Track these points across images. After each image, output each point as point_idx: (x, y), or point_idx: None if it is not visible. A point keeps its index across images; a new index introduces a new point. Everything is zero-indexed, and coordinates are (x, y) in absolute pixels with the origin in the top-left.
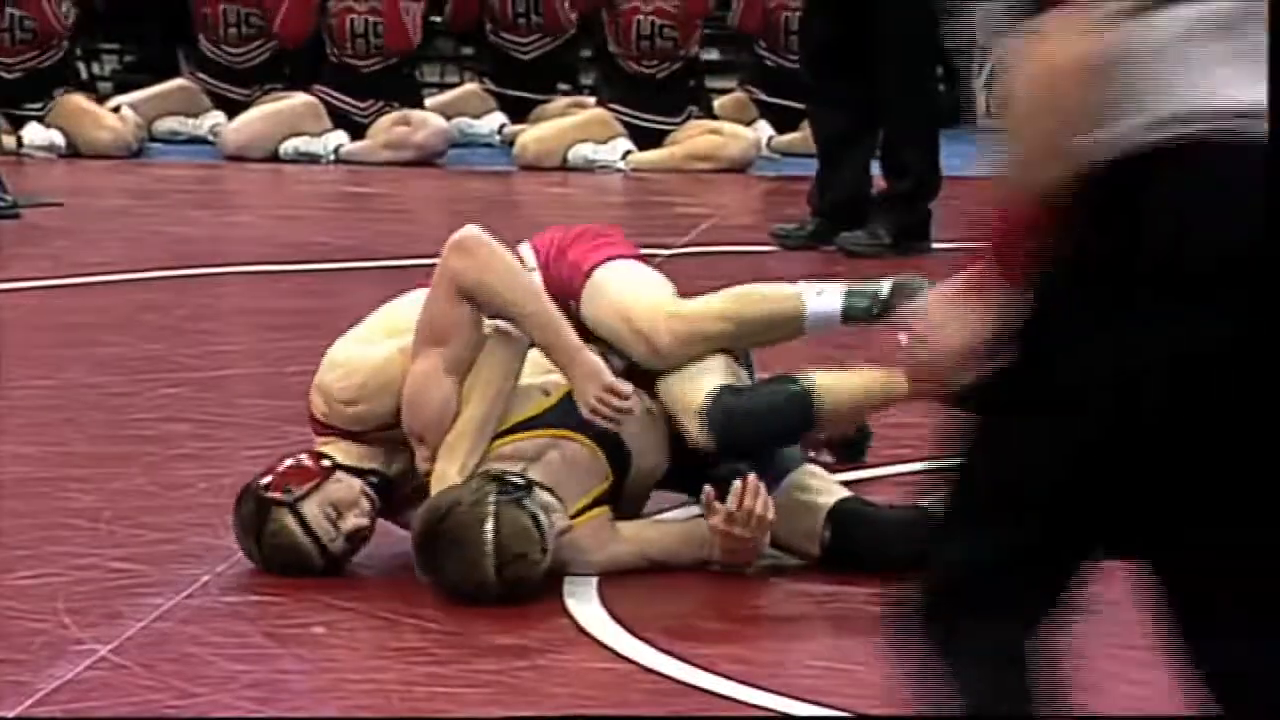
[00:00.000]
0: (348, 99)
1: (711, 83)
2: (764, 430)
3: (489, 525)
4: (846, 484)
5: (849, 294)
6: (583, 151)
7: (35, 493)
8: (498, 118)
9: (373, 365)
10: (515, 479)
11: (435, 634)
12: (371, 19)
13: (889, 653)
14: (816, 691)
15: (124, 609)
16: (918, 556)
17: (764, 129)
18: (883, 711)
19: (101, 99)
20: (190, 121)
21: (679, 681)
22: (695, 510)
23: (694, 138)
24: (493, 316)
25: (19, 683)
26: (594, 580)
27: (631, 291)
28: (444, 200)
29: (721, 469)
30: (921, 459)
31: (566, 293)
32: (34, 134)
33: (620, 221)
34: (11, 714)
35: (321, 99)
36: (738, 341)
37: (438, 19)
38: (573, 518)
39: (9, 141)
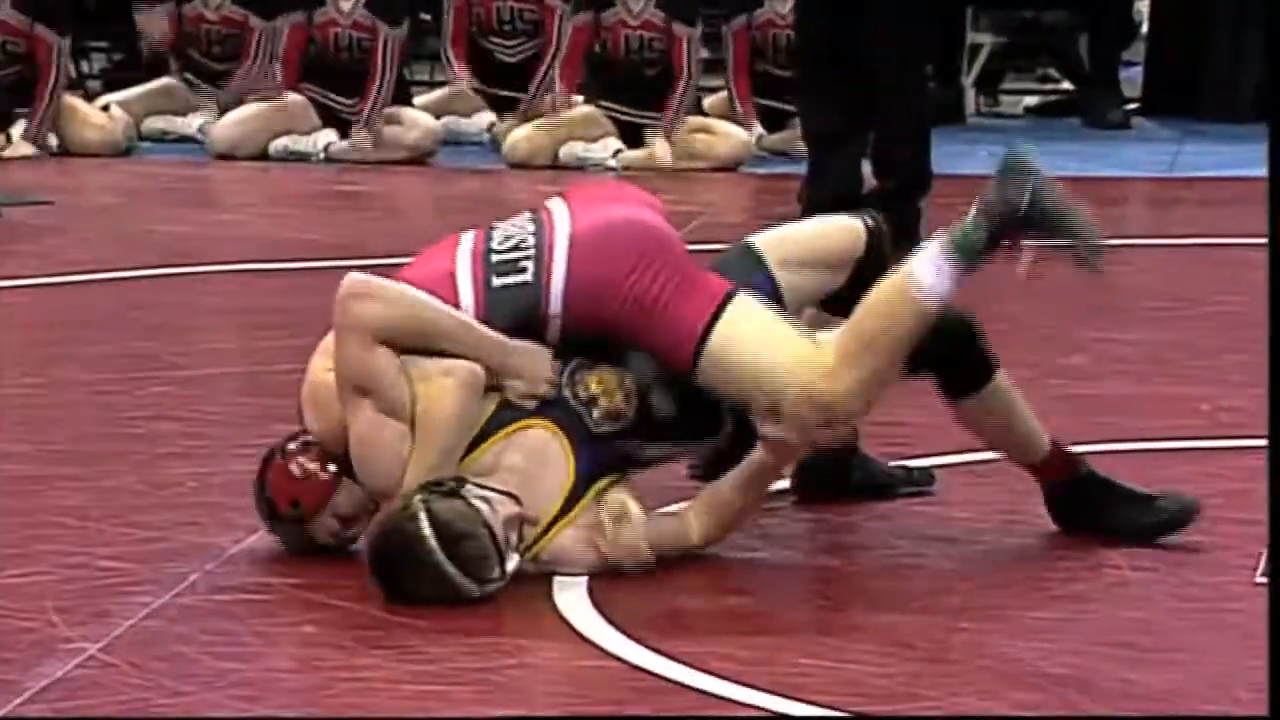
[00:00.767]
0: (337, 97)
1: (701, 81)
2: None
3: (423, 521)
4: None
5: (954, 241)
6: (573, 150)
7: (24, 491)
8: (487, 116)
9: (308, 387)
10: (441, 483)
11: (424, 632)
12: (355, 34)
13: None
14: (807, 689)
15: (113, 607)
16: None
17: (754, 127)
18: (873, 710)
19: (90, 97)
20: (179, 120)
21: (668, 679)
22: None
23: (685, 136)
24: (408, 351)
25: (7, 681)
26: (583, 579)
27: (768, 362)
28: (433, 199)
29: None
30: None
31: (664, 339)
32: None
33: None
34: (0, 712)
35: (310, 98)
36: (893, 366)
37: (427, 17)
38: (560, 515)
39: None
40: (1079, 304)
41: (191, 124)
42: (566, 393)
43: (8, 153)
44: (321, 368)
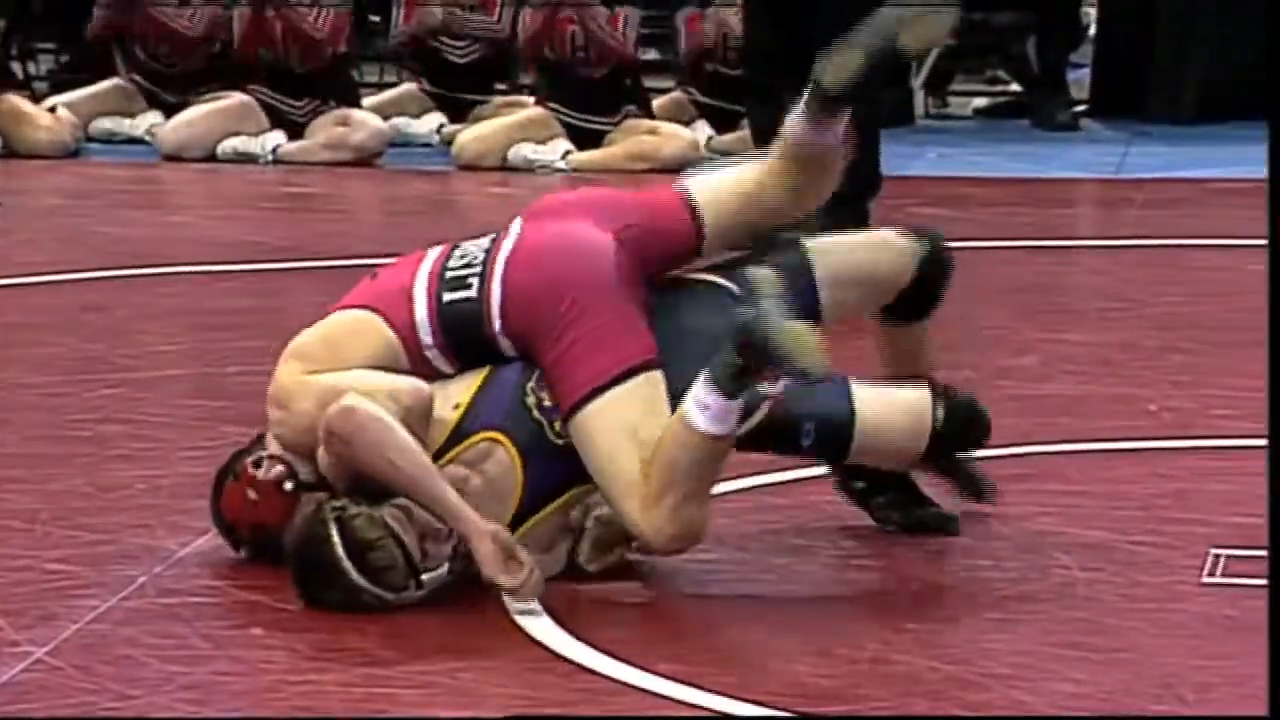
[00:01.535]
0: (284, 99)
1: (650, 82)
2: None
3: (332, 528)
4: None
5: (713, 375)
6: (522, 151)
7: None
8: (436, 118)
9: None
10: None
11: (373, 635)
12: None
13: None
14: (754, 690)
15: (60, 610)
16: None
17: (702, 129)
18: (820, 710)
19: (37, 99)
20: (127, 122)
21: (617, 681)
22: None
23: (632, 137)
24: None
25: None
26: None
27: (610, 473)
28: (382, 200)
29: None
30: None
31: (554, 391)
32: None
33: None
34: None
35: (258, 99)
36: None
37: (376, 18)
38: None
39: None
40: (1027, 305)
41: (139, 125)
42: (530, 400)
43: None
44: (289, 373)
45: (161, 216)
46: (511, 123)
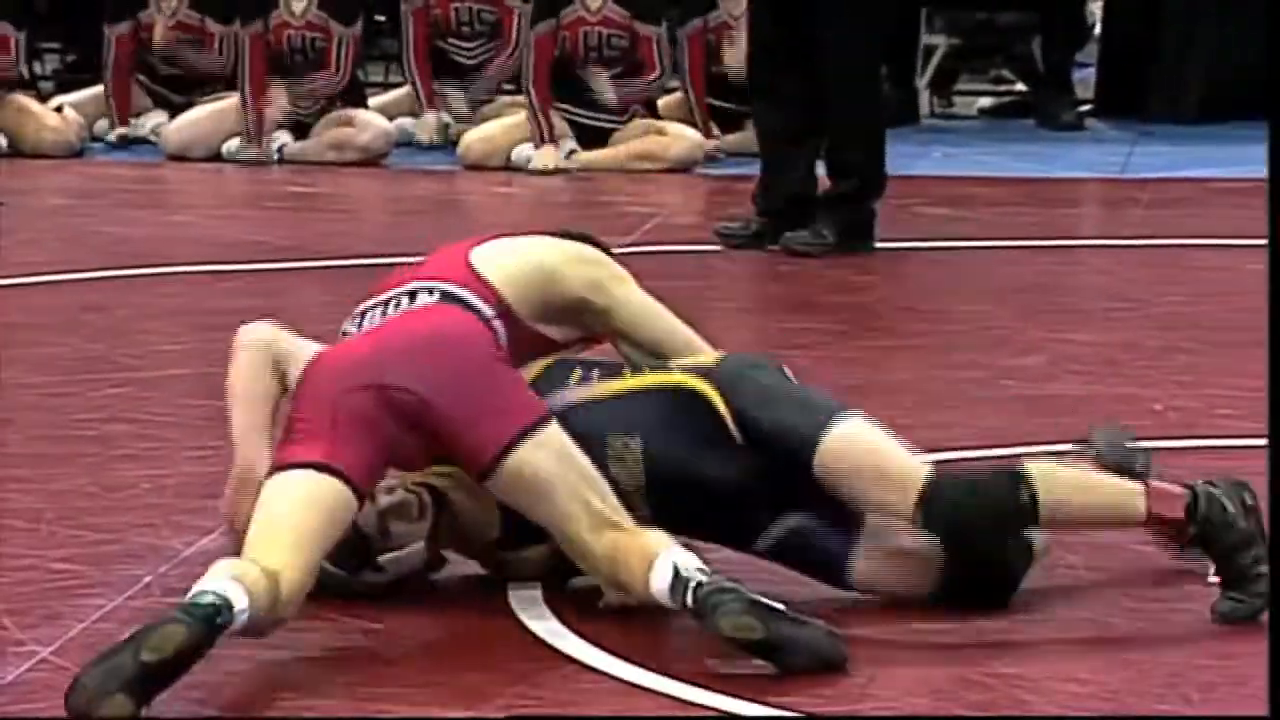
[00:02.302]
0: None
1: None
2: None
3: None
4: None
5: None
6: (527, 151)
7: None
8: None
9: None
10: None
11: (378, 635)
12: (309, 34)
13: None
14: (762, 690)
15: (65, 610)
16: None
17: (713, 134)
18: (826, 710)
19: (43, 99)
20: (132, 121)
21: (627, 682)
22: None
23: (638, 137)
24: None
25: None
26: (538, 584)
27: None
28: (387, 200)
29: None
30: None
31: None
32: None
33: (565, 221)
34: None
35: None
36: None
37: (382, 18)
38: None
39: None
40: (1032, 304)
41: (144, 125)
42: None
43: None
44: None
45: (165, 216)
46: (517, 122)
